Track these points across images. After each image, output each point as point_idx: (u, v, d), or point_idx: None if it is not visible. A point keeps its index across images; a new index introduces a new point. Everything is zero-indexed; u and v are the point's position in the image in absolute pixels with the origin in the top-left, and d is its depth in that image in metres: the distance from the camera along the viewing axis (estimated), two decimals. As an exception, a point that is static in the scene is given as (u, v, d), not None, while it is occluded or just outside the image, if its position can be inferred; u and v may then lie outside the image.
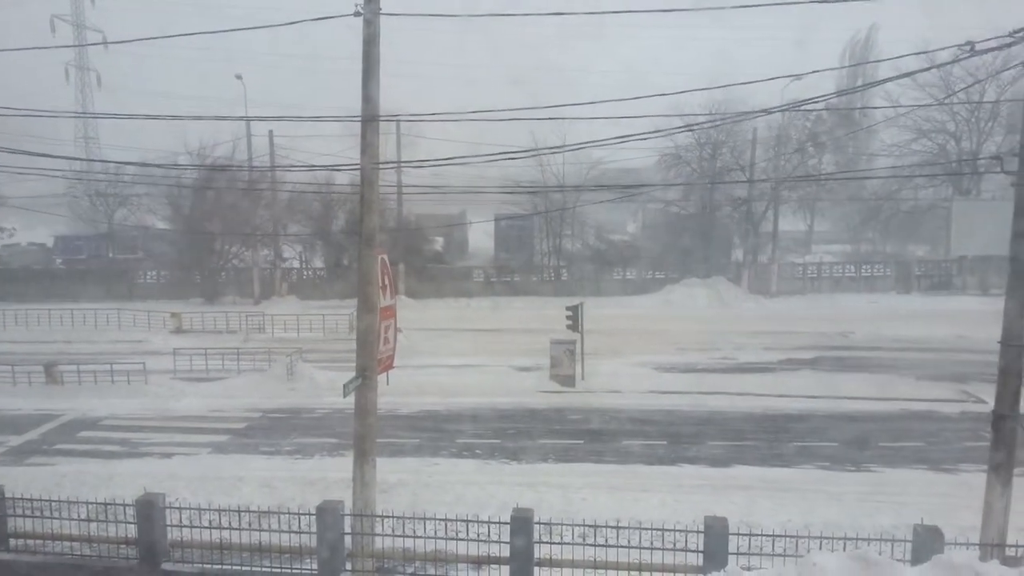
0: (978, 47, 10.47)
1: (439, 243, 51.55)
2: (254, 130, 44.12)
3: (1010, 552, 9.91)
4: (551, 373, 25.02)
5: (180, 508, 11.28)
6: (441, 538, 10.65)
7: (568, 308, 25.58)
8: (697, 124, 35.43)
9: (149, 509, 11.10)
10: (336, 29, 12.11)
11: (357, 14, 11.28)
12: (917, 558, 9.23)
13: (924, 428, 20.31)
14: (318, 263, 49.76)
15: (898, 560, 9.20)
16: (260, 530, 11.05)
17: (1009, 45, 10.34)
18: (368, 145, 11.86)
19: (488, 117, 13.33)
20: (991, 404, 10.98)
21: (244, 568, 11.12)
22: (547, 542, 10.67)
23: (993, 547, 10.12)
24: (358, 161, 12.03)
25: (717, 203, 47.91)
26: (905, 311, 38.25)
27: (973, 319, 33.00)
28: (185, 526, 11.27)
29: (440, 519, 10.58)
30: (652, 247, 49.37)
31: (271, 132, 43.38)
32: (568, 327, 25.19)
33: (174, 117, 14.56)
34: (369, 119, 11.73)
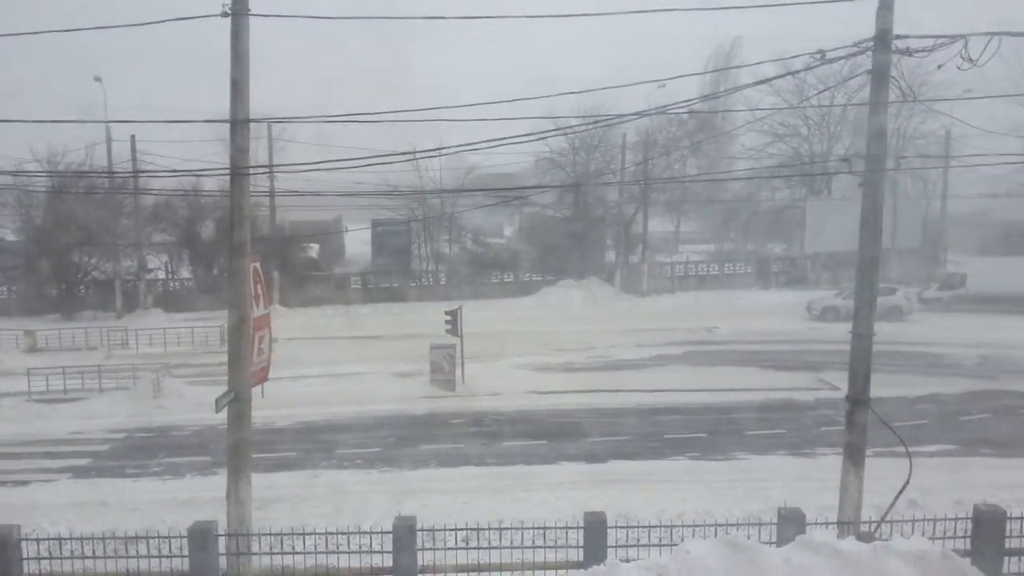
0: (828, 56, 11.21)
1: (314, 250, 50.43)
2: (116, 134, 41.85)
3: (864, 528, 10.62)
4: (431, 378, 24.96)
5: (38, 539, 10.57)
6: (322, 552, 10.43)
7: (447, 312, 25.59)
8: (569, 128, 36.18)
9: (3, 542, 10.36)
10: (206, 29, 11.67)
11: (225, 14, 10.91)
12: (782, 539, 9.74)
13: (784, 416, 21.46)
14: (186, 273, 47.69)
15: (765, 542, 9.70)
16: (128, 557, 10.50)
17: (855, 54, 11.13)
18: (238, 149, 11.49)
19: (363, 119, 13.18)
20: (844, 390, 11.74)
21: (111, 597, 10.55)
22: (430, 548, 10.63)
23: (849, 524, 10.82)
24: (227, 166, 11.66)
25: (591, 206, 49.00)
26: (765, 306, 40.26)
27: (827, 311, 35.29)
28: (44, 558, 10.57)
29: (320, 533, 10.37)
30: (529, 250, 49.95)
31: (133, 137, 41.25)
32: (448, 331, 25.19)
33: (24, 120, 13.62)
34: (239, 122, 11.38)
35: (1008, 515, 10.26)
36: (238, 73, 11.21)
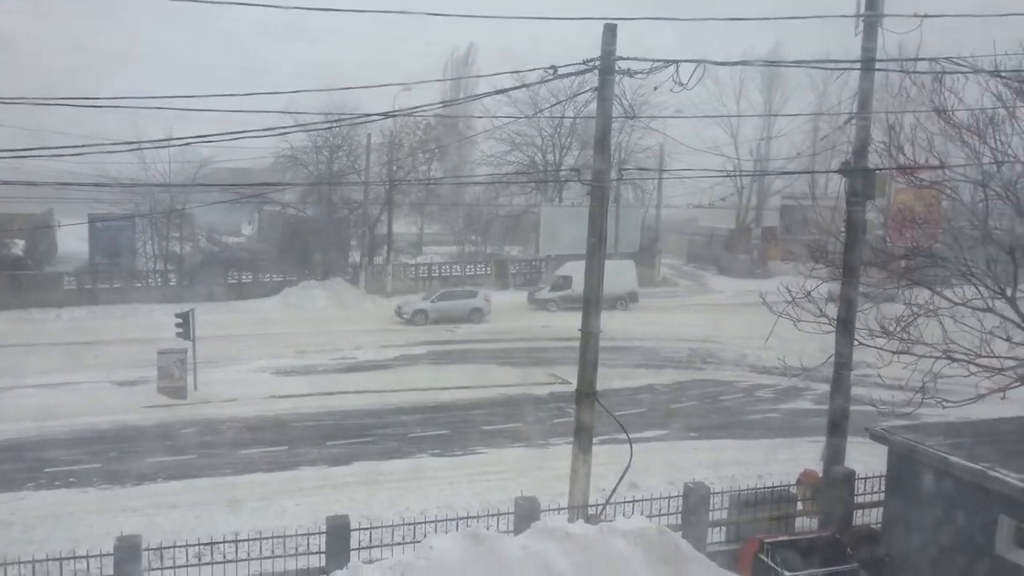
0: (560, 71, 11.97)
1: (19, 247, 44.93)
2: None
3: (592, 511, 11.46)
4: (159, 386, 23.24)
5: None
6: (29, 582, 9.37)
7: (178, 315, 23.98)
8: (311, 124, 35.34)
9: None
10: None
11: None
12: (519, 527, 10.24)
13: (521, 410, 22.51)
14: None
15: (504, 532, 10.16)
16: None
17: (583, 72, 11.98)
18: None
19: (76, 103, 12.00)
20: (575, 384, 12.56)
21: None
22: (158, 568, 9.94)
23: (579, 509, 11.60)
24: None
25: (335, 206, 48.24)
26: (503, 305, 41.83)
27: (558, 311, 37.49)
28: None
29: (27, 561, 9.30)
30: (269, 249, 48.11)
31: None
32: (178, 335, 23.61)
33: None
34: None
35: (711, 491, 11.57)
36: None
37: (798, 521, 12.21)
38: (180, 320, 23.72)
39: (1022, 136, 12.82)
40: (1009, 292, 12.76)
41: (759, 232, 57.56)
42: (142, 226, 45.25)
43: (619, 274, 41.81)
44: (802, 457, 15.75)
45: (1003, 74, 12.49)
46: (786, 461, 16.08)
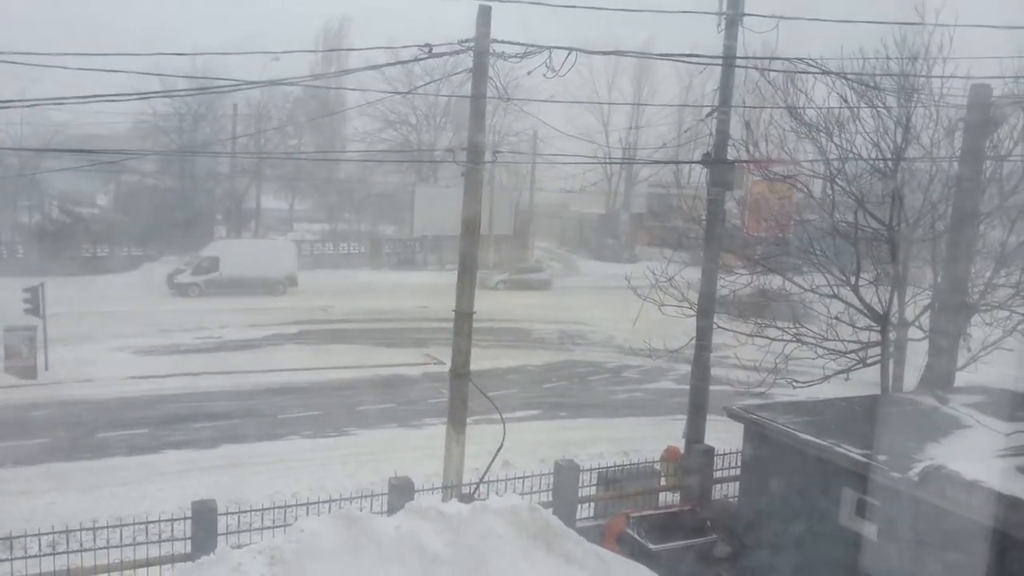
0: (435, 50, 11.92)
1: None
2: None
3: (465, 490, 11.63)
4: (7, 365, 21.89)
5: None
6: None
7: (26, 289, 22.55)
8: (174, 90, 33.67)
9: None
10: None
11: None
12: (393, 508, 10.27)
13: (395, 390, 22.48)
14: None
15: (377, 513, 10.17)
16: None
17: (458, 52, 11.98)
18: None
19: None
20: (449, 364, 12.66)
21: None
22: (7, 559, 9.39)
23: (453, 488, 11.75)
24: None
25: (199, 178, 46.20)
26: (377, 285, 41.52)
27: (433, 291, 37.33)
28: None
29: None
30: (128, 222, 45.57)
31: None
32: (27, 311, 22.24)
33: None
34: None
35: (580, 468, 11.98)
36: None
37: (662, 496, 12.81)
38: (29, 295, 22.37)
39: (864, 135, 13.82)
40: (853, 280, 13.81)
41: (627, 218, 59.30)
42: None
43: (274, 256, 39.37)
44: (665, 434, 16.49)
45: (848, 77, 13.41)
46: (650, 438, 16.80)
